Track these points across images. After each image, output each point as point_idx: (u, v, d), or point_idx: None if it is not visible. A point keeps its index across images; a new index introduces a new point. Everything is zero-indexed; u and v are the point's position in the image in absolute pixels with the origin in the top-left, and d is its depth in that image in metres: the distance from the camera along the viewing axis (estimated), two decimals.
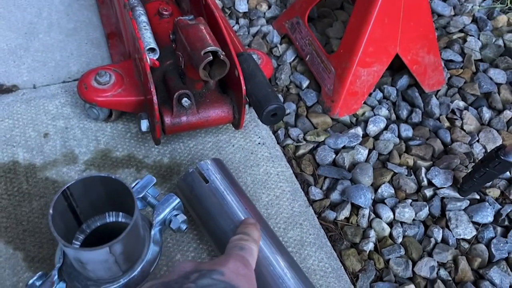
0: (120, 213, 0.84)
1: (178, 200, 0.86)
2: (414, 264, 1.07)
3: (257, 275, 0.88)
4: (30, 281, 0.74)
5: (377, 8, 1.16)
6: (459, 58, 1.47)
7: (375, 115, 1.32)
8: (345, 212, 1.13)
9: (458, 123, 1.32)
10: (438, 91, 1.41)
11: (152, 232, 0.82)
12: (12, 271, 0.93)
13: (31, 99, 1.21)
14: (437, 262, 1.07)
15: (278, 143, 1.25)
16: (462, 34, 1.55)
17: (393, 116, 1.35)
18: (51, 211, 0.67)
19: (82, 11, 1.47)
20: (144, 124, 1.07)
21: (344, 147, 1.25)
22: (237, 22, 1.56)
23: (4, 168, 1.07)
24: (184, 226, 0.85)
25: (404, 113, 1.34)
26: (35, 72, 1.28)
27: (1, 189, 1.03)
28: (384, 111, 1.33)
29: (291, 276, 0.88)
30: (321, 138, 1.25)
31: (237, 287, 0.61)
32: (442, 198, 1.18)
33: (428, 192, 1.18)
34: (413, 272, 1.06)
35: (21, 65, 1.29)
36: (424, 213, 1.14)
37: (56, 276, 0.74)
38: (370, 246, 1.09)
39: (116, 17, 1.39)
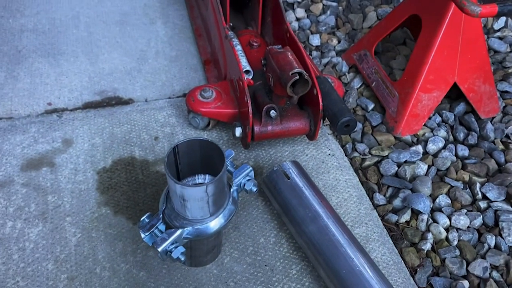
0: (207, 176, 1.06)
1: (250, 168, 1.06)
2: (468, 264, 1.20)
3: (337, 269, 1.04)
4: (142, 218, 0.98)
5: (438, 41, 1.35)
6: None
7: (434, 135, 1.48)
8: (406, 216, 1.29)
9: None
10: (493, 117, 1.55)
11: (232, 190, 1.02)
12: (132, 240, 1.16)
13: (144, 110, 1.49)
14: (490, 264, 1.19)
15: (346, 155, 1.44)
16: None
17: (451, 138, 1.50)
18: (166, 159, 0.90)
19: (182, 42, 1.77)
20: (238, 131, 1.30)
21: (405, 162, 1.42)
22: (310, 54, 1.80)
23: (124, 162, 1.33)
24: (254, 189, 1.05)
25: (461, 135, 1.49)
26: (146, 89, 1.57)
27: (123, 178, 1.29)
28: (442, 133, 1.49)
29: (370, 270, 1.04)
30: (385, 153, 1.43)
31: None
32: (496, 210, 1.30)
33: (482, 204, 1.31)
34: (467, 271, 1.19)
35: (135, 83, 1.58)
36: (478, 221, 1.27)
37: (161, 215, 0.97)
38: (428, 246, 1.23)
39: (211, 47, 1.67)
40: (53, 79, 1.57)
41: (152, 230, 0.97)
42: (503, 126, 1.51)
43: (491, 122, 1.53)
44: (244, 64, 1.36)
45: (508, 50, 1.77)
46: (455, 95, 1.58)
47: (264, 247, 1.18)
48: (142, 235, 0.97)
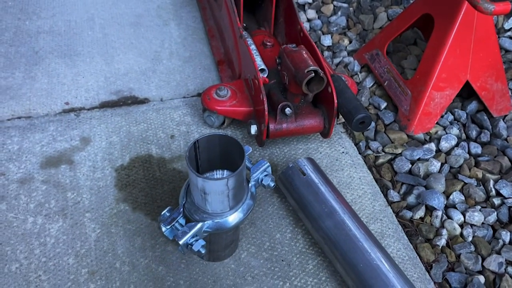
0: (225, 171, 1.08)
1: (267, 164, 1.08)
2: (483, 259, 1.20)
3: (354, 263, 1.05)
4: (163, 212, 1.00)
5: (451, 40, 1.36)
6: None
7: (447, 133, 1.49)
8: (420, 212, 1.30)
9: None
10: (505, 116, 1.56)
11: (250, 185, 1.04)
12: (150, 236, 1.18)
13: (159, 109, 1.51)
14: (505, 259, 1.20)
15: (359, 153, 1.45)
16: None
17: (463, 136, 1.51)
18: (187, 153, 0.93)
19: (195, 43, 1.79)
20: (253, 129, 1.32)
21: (419, 159, 1.43)
22: (322, 54, 1.81)
23: (142, 160, 1.35)
24: (272, 184, 1.07)
25: (473, 133, 1.50)
26: (161, 89, 1.59)
27: (140, 175, 1.31)
28: (455, 131, 1.50)
29: (387, 264, 1.04)
30: (399, 151, 1.44)
31: None
32: (510, 207, 1.31)
33: (496, 201, 1.32)
34: (483, 266, 1.19)
35: (150, 83, 1.61)
36: (492, 218, 1.28)
37: (182, 208, 0.99)
38: (442, 242, 1.24)
39: (224, 47, 1.69)
40: (70, 79, 1.60)
41: (172, 223, 0.99)
42: None
43: (503, 120, 1.54)
44: (259, 62, 1.38)
45: None
46: (466, 93, 1.59)
47: (281, 243, 1.20)
48: (163, 229, 0.99)
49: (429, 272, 1.18)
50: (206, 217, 0.98)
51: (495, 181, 1.36)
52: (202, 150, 1.00)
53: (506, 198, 1.32)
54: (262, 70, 1.38)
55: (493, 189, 1.34)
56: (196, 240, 0.97)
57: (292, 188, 1.21)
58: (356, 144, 1.48)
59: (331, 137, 1.47)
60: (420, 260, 1.20)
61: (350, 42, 1.85)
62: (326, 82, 1.27)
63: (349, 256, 1.07)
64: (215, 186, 0.92)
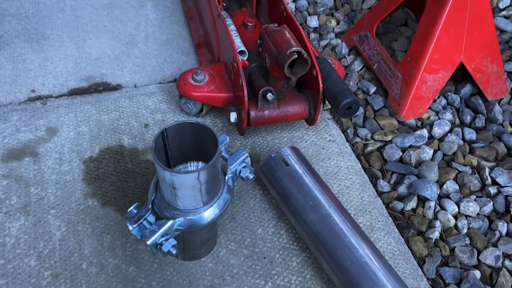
0: (200, 163, 0.98)
1: (246, 154, 0.98)
2: (479, 253, 1.13)
3: (340, 260, 0.97)
4: (129, 209, 0.91)
5: (444, 18, 1.27)
6: None
7: (439, 119, 1.41)
8: (412, 203, 1.22)
9: None
10: (501, 99, 1.48)
11: (226, 178, 0.95)
12: (120, 233, 1.09)
13: (133, 96, 1.40)
14: (502, 252, 1.12)
15: (347, 140, 1.36)
16: None
17: (457, 121, 1.43)
18: (153, 144, 0.83)
19: (173, 26, 1.68)
20: (233, 116, 1.22)
21: (410, 146, 1.34)
22: (308, 36, 1.71)
23: (113, 151, 1.25)
24: (251, 176, 0.97)
25: (467, 119, 1.42)
26: (135, 75, 1.48)
27: (111, 167, 1.21)
28: (448, 116, 1.42)
29: (376, 260, 0.96)
30: (389, 138, 1.36)
31: None
32: (506, 196, 1.23)
33: (492, 190, 1.24)
34: (478, 260, 1.12)
35: (124, 69, 1.50)
36: (488, 208, 1.20)
37: (151, 205, 0.90)
38: (436, 235, 1.16)
39: (203, 29, 1.58)
40: (37, 65, 1.48)
41: (140, 221, 0.90)
42: (511, 108, 1.44)
43: (499, 104, 1.46)
44: (239, 44, 1.27)
45: None
46: (460, 76, 1.51)
47: (263, 238, 1.11)
48: (130, 228, 0.90)
49: (421, 268, 1.10)
50: (177, 214, 0.89)
51: (491, 169, 1.28)
52: (172, 140, 0.90)
53: (502, 187, 1.25)
54: (241, 52, 1.28)
55: (488, 177, 1.26)
56: (166, 240, 0.87)
57: (274, 179, 1.12)
58: (344, 132, 1.39)
59: (317, 124, 1.38)
60: (412, 254, 1.12)
61: (338, 23, 1.75)
62: (311, 65, 1.17)
63: (336, 252, 0.98)
64: (185, 180, 0.82)
